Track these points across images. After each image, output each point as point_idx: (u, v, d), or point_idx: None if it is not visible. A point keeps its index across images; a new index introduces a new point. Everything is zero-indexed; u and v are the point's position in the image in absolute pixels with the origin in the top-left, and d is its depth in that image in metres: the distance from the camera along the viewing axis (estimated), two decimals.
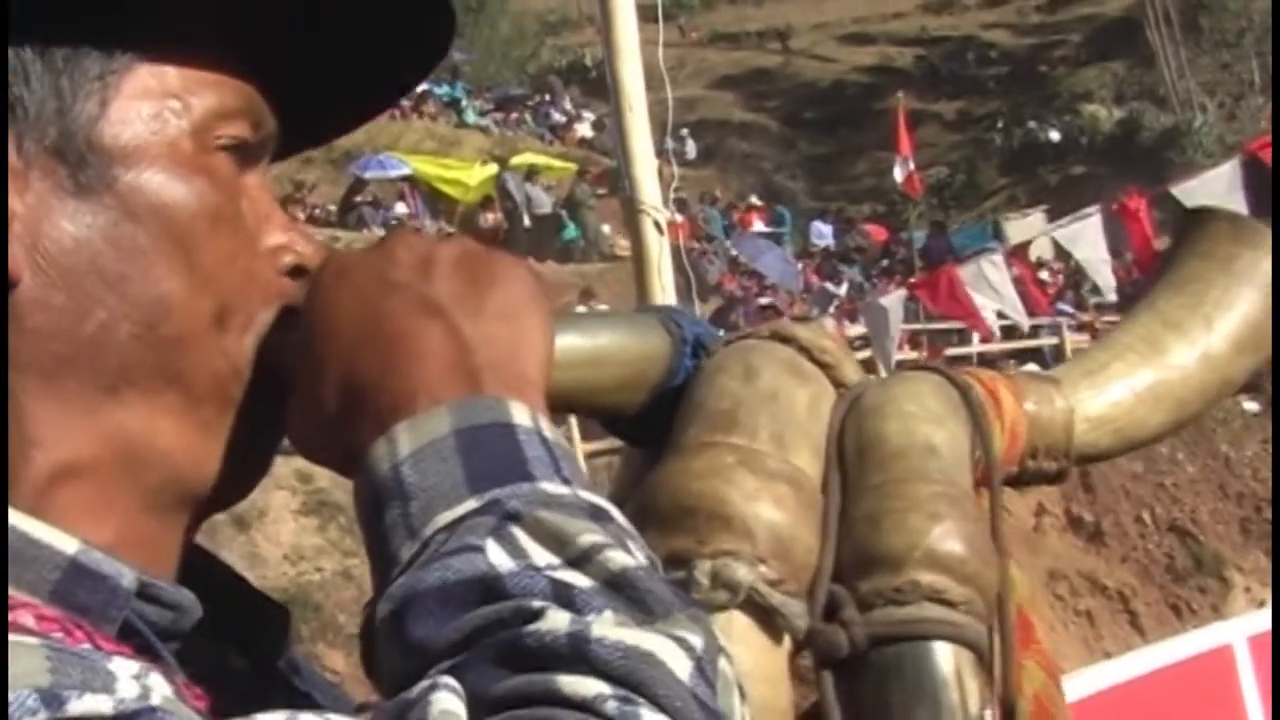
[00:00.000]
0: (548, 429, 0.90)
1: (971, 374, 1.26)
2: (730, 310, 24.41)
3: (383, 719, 0.76)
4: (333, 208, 28.69)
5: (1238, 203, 15.50)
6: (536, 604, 0.77)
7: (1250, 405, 20.46)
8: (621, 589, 0.80)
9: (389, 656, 0.81)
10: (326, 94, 1.10)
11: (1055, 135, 40.70)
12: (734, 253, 29.98)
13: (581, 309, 21.85)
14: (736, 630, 1.02)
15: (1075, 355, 1.43)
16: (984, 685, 1.11)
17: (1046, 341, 21.71)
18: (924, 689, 1.08)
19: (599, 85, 31.44)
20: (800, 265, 30.54)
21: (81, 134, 0.92)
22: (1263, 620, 8.36)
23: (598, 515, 0.86)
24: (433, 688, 0.74)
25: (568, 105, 41.90)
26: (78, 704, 0.71)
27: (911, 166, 29.49)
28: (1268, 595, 17.61)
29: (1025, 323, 16.68)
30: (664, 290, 5.52)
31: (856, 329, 16.50)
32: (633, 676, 0.74)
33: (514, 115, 40.12)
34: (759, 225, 32.39)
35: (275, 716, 0.73)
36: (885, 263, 31.19)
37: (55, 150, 0.91)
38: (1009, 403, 1.26)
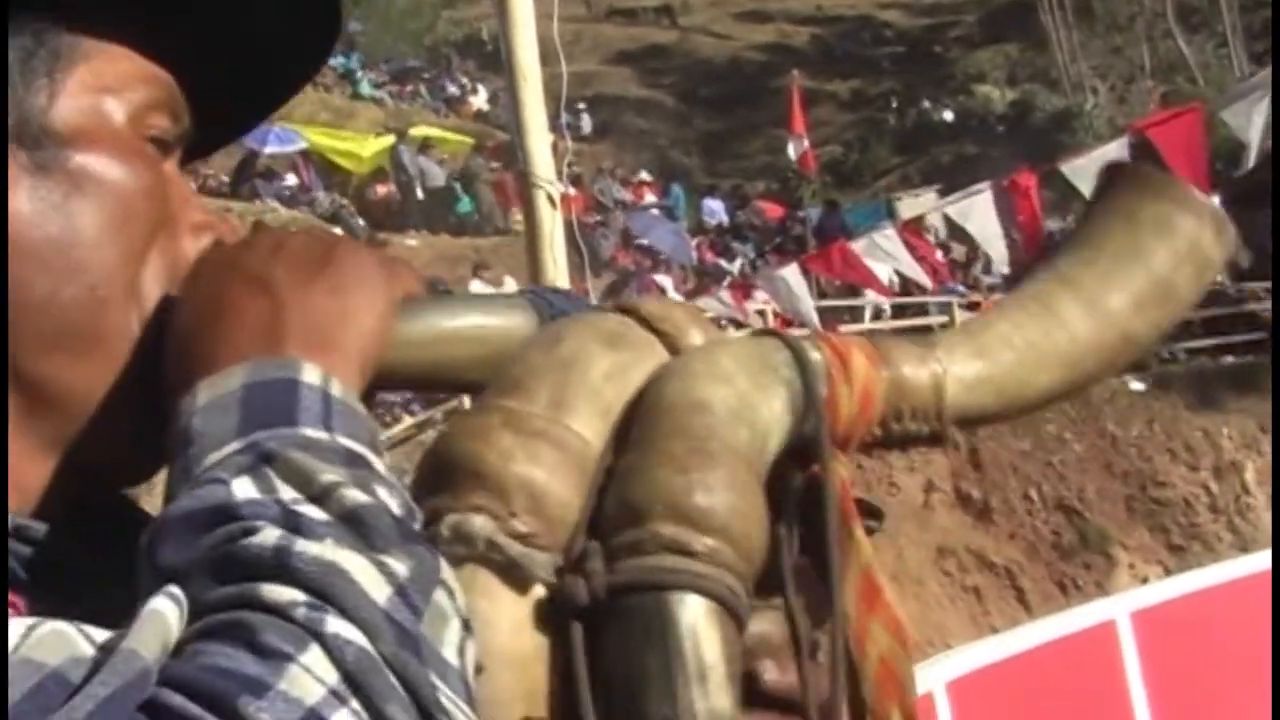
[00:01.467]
0: (335, 387, 0.96)
1: (821, 337, 1.25)
2: (623, 285, 24.41)
3: (127, 630, 0.79)
4: (225, 178, 28.41)
5: None
6: (258, 524, 0.83)
7: (1137, 385, 20.75)
8: (350, 523, 0.85)
9: (145, 581, 0.85)
10: (226, 98, 1.19)
11: (949, 115, 41.07)
12: (627, 227, 29.99)
13: (477, 283, 21.81)
14: (480, 582, 1.04)
15: (963, 320, 1.41)
16: (732, 637, 1.10)
17: (937, 319, 21.86)
18: (656, 636, 1.08)
19: (494, 59, 31.35)
20: (694, 241, 30.58)
21: (35, 121, 1.03)
22: (1146, 596, 8.49)
23: (352, 460, 0.92)
24: (156, 594, 0.80)
25: (463, 79, 41.76)
26: None
27: (806, 144, 29.59)
28: (1150, 572, 17.92)
29: (927, 281, 16.80)
30: (556, 264, 5.51)
31: (754, 304, 16.54)
32: (325, 588, 0.80)
33: (409, 88, 40.00)
34: (650, 198, 32.41)
35: (28, 620, 0.78)
36: (779, 240, 31.28)
37: (16, 134, 1.02)
38: (861, 365, 1.23)
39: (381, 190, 29.24)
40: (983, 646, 7.99)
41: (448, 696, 0.82)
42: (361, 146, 30.35)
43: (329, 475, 0.88)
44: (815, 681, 1.18)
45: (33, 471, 1.03)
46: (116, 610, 1.00)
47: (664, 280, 25.46)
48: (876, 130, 42.66)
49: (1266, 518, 18.12)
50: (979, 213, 14.22)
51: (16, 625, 0.77)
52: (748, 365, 1.19)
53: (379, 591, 0.82)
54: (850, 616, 1.20)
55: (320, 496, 0.87)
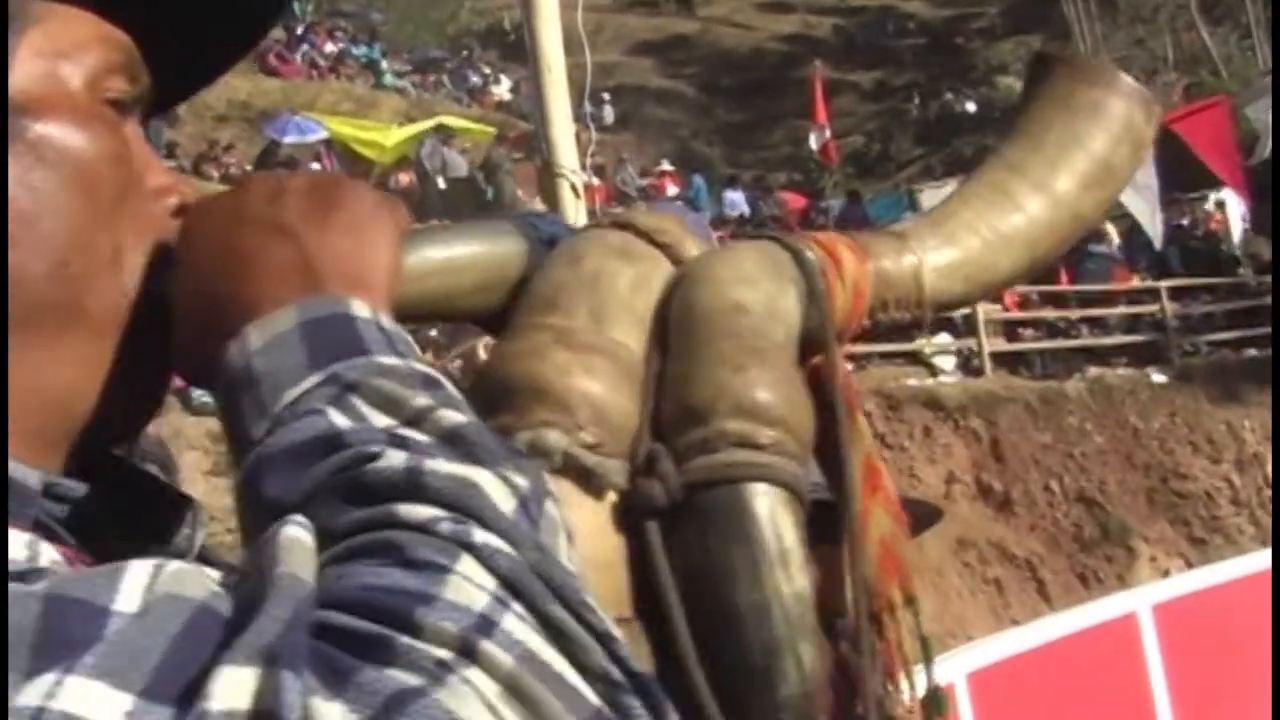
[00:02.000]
0: (386, 320, 0.98)
1: (809, 236, 1.31)
2: None
3: (245, 560, 0.80)
4: (249, 168, 28.41)
5: (1144, 179, 15.72)
6: (375, 448, 0.83)
7: (1159, 377, 20.69)
8: (453, 443, 0.86)
9: (251, 519, 0.86)
10: (187, 49, 1.16)
11: (971, 107, 40.93)
12: None
13: None
14: (560, 492, 1.04)
15: (926, 210, 1.46)
16: (801, 520, 1.15)
17: (959, 311, 21.88)
18: (738, 527, 1.12)
19: (517, 48, 31.34)
20: (716, 234, 30.51)
21: None
22: (1167, 589, 8.48)
23: (429, 383, 0.92)
24: (282, 524, 0.79)
25: (486, 68, 41.73)
26: None
27: (828, 135, 29.61)
28: (1172, 565, 17.86)
29: None
30: None
31: None
32: (461, 502, 0.81)
33: (432, 77, 39.92)
34: (672, 189, 32.36)
35: (151, 559, 0.77)
36: (799, 228, 31.20)
37: None
38: (849, 260, 1.30)
39: (404, 179, 29.21)
40: (1003, 639, 7.99)
41: (583, 598, 0.82)
42: (384, 136, 30.32)
43: (419, 399, 0.89)
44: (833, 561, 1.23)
45: (46, 452, 1.00)
46: None
47: None
48: (899, 121, 42.54)
49: None
50: None
51: (141, 566, 0.76)
52: (765, 268, 1.24)
53: (507, 504, 0.83)
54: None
55: (415, 420, 0.88)
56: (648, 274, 1.23)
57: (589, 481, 1.12)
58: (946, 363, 20.75)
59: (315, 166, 28.84)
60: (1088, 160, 1.39)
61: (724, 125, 44.31)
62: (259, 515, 0.84)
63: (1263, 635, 6.84)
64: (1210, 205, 25.31)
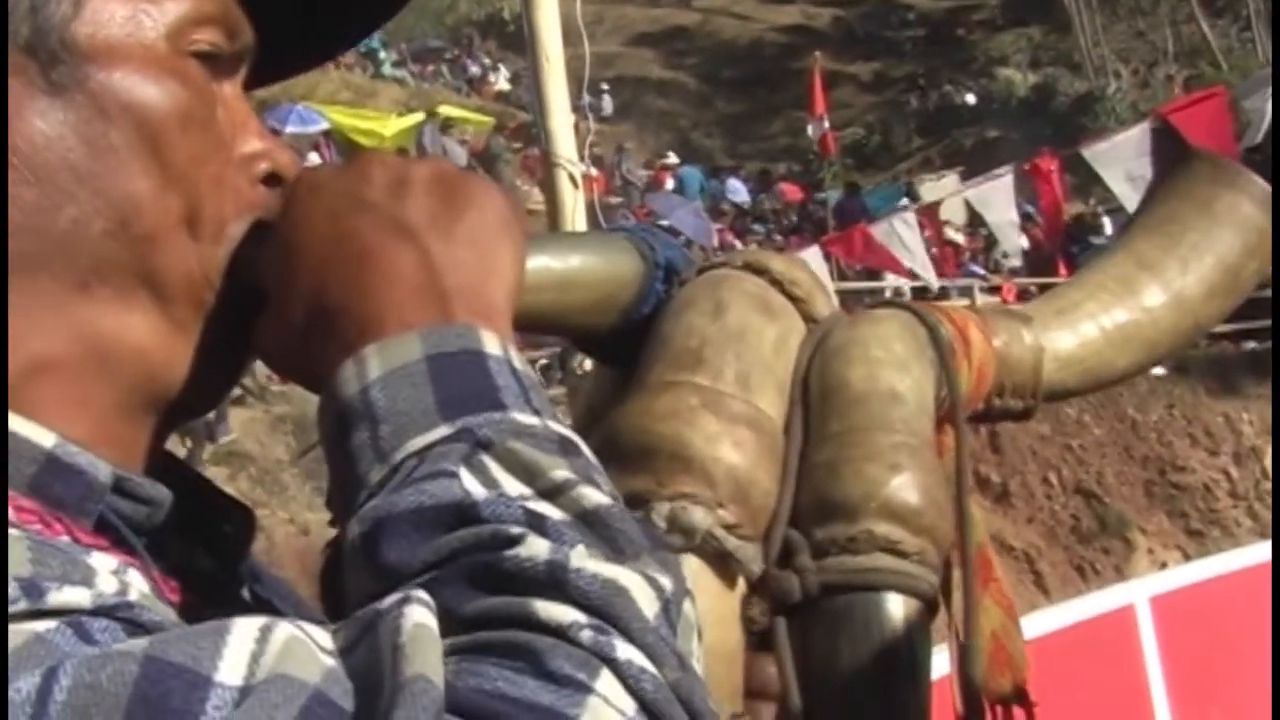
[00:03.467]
0: (517, 359, 0.90)
1: (942, 311, 1.26)
2: None
3: (352, 626, 0.75)
4: None
5: (1140, 171, 15.72)
6: (515, 530, 0.77)
7: (1157, 369, 20.67)
8: (593, 525, 0.80)
9: (358, 578, 0.81)
10: (302, 21, 1.10)
11: (971, 99, 40.84)
12: (648, 208, 29.93)
13: None
14: (690, 573, 0.99)
15: (1048, 292, 1.40)
16: (930, 634, 1.11)
17: (958, 303, 21.83)
18: (873, 638, 1.08)
19: (516, 39, 31.27)
20: (715, 224, 30.51)
21: (55, 33, 0.92)
22: (1164, 581, 8.47)
23: (567, 448, 0.86)
24: (405, 600, 0.74)
25: (485, 59, 41.69)
26: (57, 595, 0.71)
27: (826, 126, 29.53)
28: (1170, 557, 17.86)
29: (935, 282, 16.81)
30: None
31: None
32: (607, 608, 0.75)
33: (431, 67, 39.91)
34: (671, 182, 32.35)
35: (254, 620, 0.72)
36: (799, 222, 31.19)
37: (28, 48, 0.91)
38: (978, 340, 1.25)
39: None
40: None
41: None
42: (383, 126, 30.31)
43: (557, 470, 0.82)
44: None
45: (120, 424, 0.95)
46: (204, 577, 0.99)
47: None
48: (898, 113, 42.46)
49: None
50: (998, 199, 14.19)
51: (246, 629, 0.71)
52: (913, 349, 1.19)
53: (650, 609, 0.77)
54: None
55: (552, 493, 0.81)
56: (787, 334, 1.17)
57: (724, 566, 1.07)
58: None
59: (314, 157, 28.86)
60: (1219, 268, 1.35)
61: (723, 116, 44.24)
62: (372, 578, 0.79)
63: (1260, 628, 6.84)
64: None
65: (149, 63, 0.95)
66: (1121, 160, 14.44)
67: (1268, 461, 19.21)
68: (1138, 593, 7.94)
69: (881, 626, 1.09)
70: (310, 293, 0.92)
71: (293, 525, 13.85)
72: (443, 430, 0.84)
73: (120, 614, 0.72)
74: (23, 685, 0.65)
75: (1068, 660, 7.22)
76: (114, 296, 0.93)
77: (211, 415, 14.75)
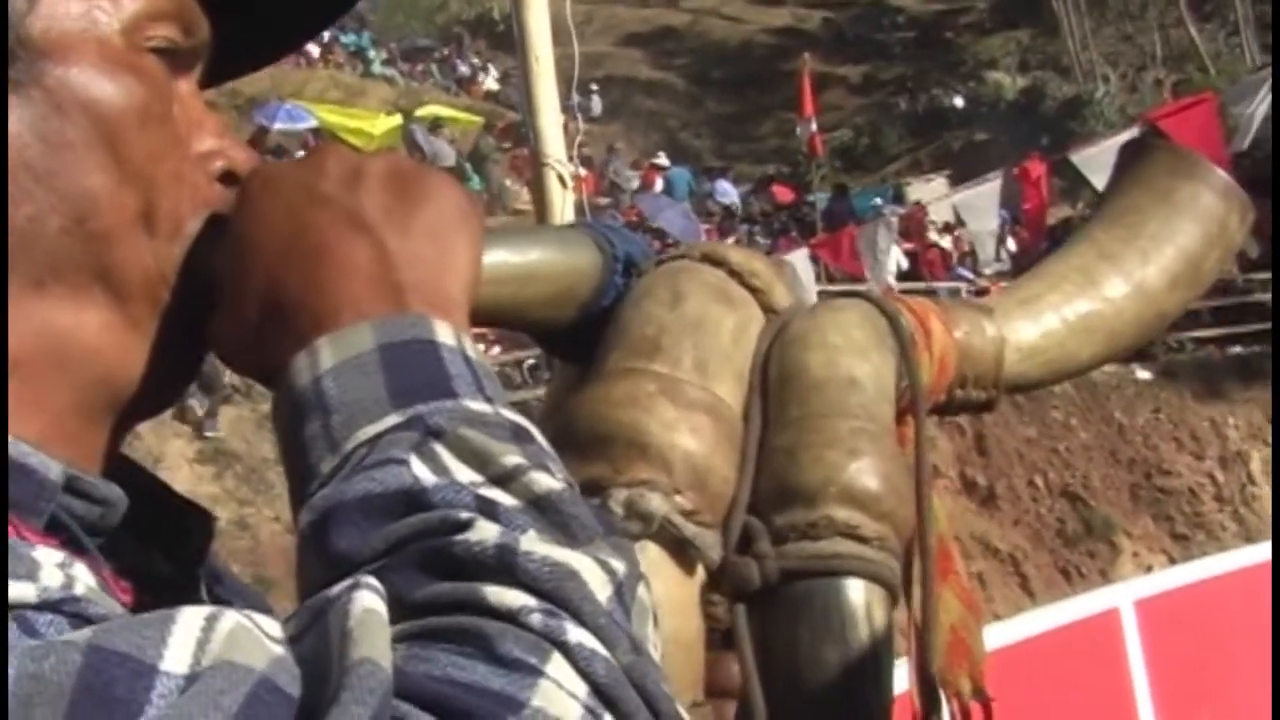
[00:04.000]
0: (470, 348, 0.89)
1: (902, 301, 1.25)
2: None
3: (303, 614, 0.74)
4: None
5: None
6: (464, 515, 0.77)
7: (1143, 373, 20.71)
8: (545, 511, 0.79)
9: (310, 567, 0.80)
10: (256, 17, 1.08)
11: (959, 102, 40.91)
12: (637, 208, 29.94)
13: None
14: (649, 561, 1.00)
15: (1011, 284, 1.40)
16: (892, 621, 1.11)
17: None
18: (833, 624, 1.08)
19: (505, 39, 31.30)
20: (704, 225, 30.52)
21: (11, 29, 0.90)
22: (1149, 585, 8.49)
23: (519, 435, 0.85)
24: (354, 586, 0.73)
25: (474, 58, 41.71)
26: None
27: (814, 128, 29.55)
28: (1155, 561, 17.89)
29: (895, 286, 16.89)
30: None
31: None
32: (558, 592, 0.74)
33: (420, 66, 39.92)
34: (660, 182, 32.37)
35: (200, 610, 0.71)
36: (787, 224, 31.22)
37: None
38: (939, 331, 1.25)
39: None
40: (986, 633, 7.99)
41: (677, 712, 0.76)
42: (372, 125, 30.29)
43: (509, 456, 0.82)
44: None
45: (76, 424, 0.93)
46: (161, 580, 0.97)
47: None
48: (887, 115, 42.52)
49: (1270, 507, 18.09)
50: (983, 204, 14.23)
51: (191, 618, 0.70)
52: (872, 337, 1.19)
53: (603, 593, 0.76)
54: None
55: (504, 479, 0.81)
56: (745, 323, 1.17)
57: (682, 553, 1.06)
58: None
59: (302, 155, 28.82)
60: (1181, 259, 1.34)
61: (713, 117, 44.29)
62: (323, 567, 0.78)
63: (1245, 632, 6.86)
64: None
65: (105, 58, 0.94)
66: (1110, 165, 14.45)
67: (1254, 466, 19.27)
68: (1123, 596, 7.95)
69: (842, 612, 1.08)
70: (265, 288, 0.91)
71: (278, 523, 13.84)
72: (393, 419, 0.83)
73: (66, 608, 0.72)
74: None
75: (1052, 663, 7.23)
76: (70, 295, 0.92)
77: (201, 411, 14.73)
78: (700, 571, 1.08)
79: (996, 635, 7.55)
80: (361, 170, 0.95)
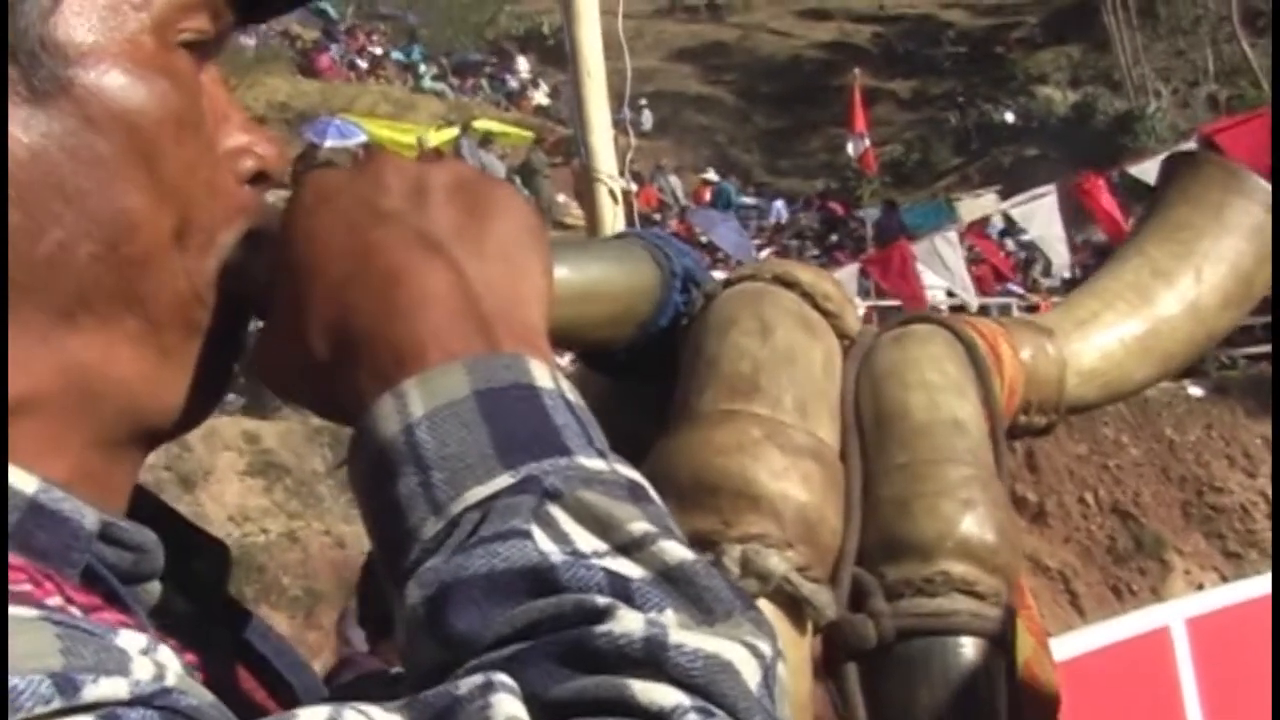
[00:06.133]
0: (569, 390, 0.82)
1: (973, 325, 1.22)
2: None
3: (421, 710, 0.69)
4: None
5: None
6: (601, 600, 0.71)
7: (1194, 390, 20.58)
8: (678, 584, 0.73)
9: (421, 646, 0.74)
10: None
11: (1010, 117, 40.75)
12: (689, 223, 29.93)
13: None
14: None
15: (1065, 302, 1.36)
16: (1005, 681, 1.08)
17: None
18: (952, 685, 1.04)
19: (556, 53, 31.33)
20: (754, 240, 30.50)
21: (33, 31, 0.81)
22: (1201, 603, 8.43)
23: (636, 494, 0.79)
24: (488, 686, 0.67)
25: (524, 72, 41.79)
26: (93, 689, 0.64)
27: (866, 143, 29.50)
28: (1206, 578, 17.77)
29: (974, 302, 16.79)
30: None
31: None
32: (712, 687, 0.69)
33: (470, 81, 40.01)
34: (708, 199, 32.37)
35: (318, 711, 0.67)
36: (838, 239, 31.17)
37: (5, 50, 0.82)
38: (1008, 356, 1.22)
39: None
40: None
41: None
42: (424, 139, 30.37)
43: (634, 522, 0.75)
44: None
45: (99, 462, 0.86)
46: (184, 620, 0.89)
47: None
48: (937, 130, 42.39)
49: None
50: (1042, 215, 14.18)
51: (312, 716, 0.67)
52: (962, 371, 1.15)
53: (753, 681, 0.71)
54: None
55: (630, 548, 0.74)
56: (830, 353, 1.13)
57: (797, 612, 1.02)
58: None
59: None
60: (1234, 277, 1.32)
61: (762, 132, 44.23)
62: (438, 647, 0.72)
63: None
64: None
65: (137, 61, 0.85)
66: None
67: (1271, 491, 19.12)
68: (1173, 614, 7.90)
69: (961, 673, 1.05)
70: (330, 315, 0.84)
71: (328, 537, 13.89)
72: (505, 479, 0.76)
73: (158, 702, 0.66)
74: None
75: (1102, 682, 7.19)
76: (100, 326, 0.85)
77: None
78: (810, 630, 1.04)
79: None
80: (426, 183, 0.88)
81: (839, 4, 51.47)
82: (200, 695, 0.69)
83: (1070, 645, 7.65)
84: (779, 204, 33.81)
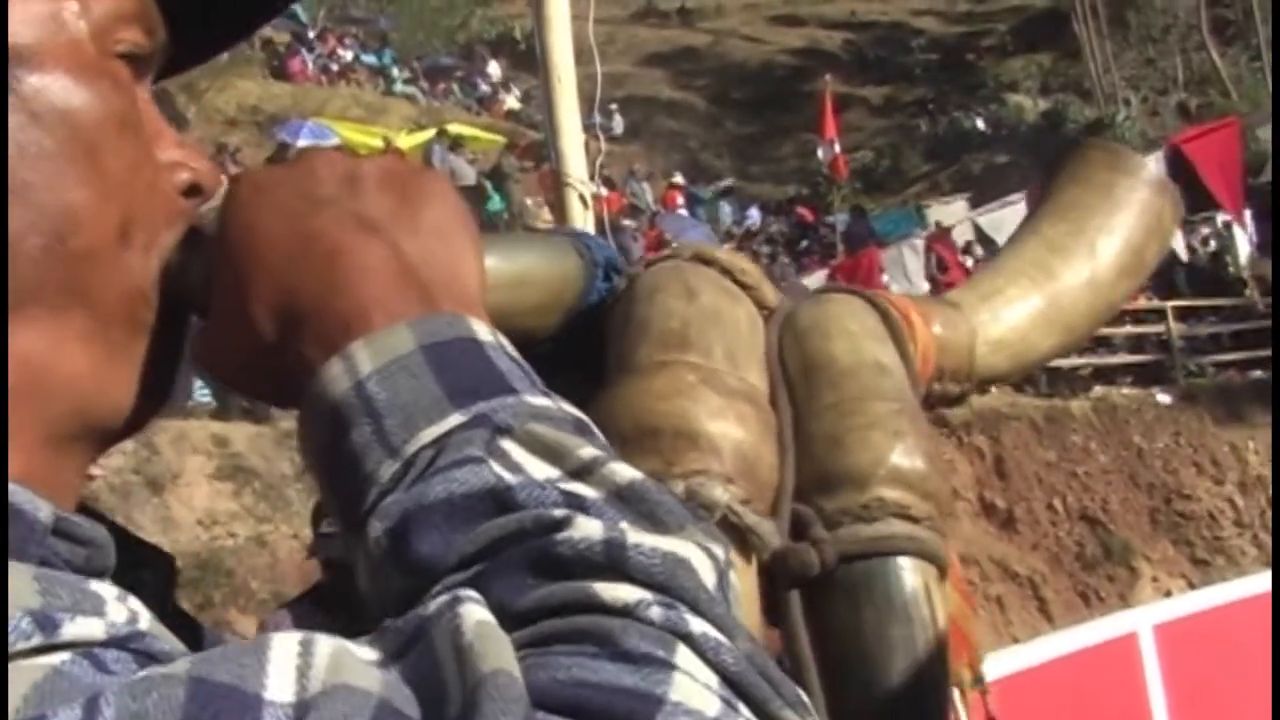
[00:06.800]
0: (509, 345, 0.86)
1: (885, 298, 1.28)
2: None
3: (392, 636, 0.70)
4: None
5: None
6: (558, 513, 0.73)
7: (1163, 397, 20.67)
8: (630, 501, 0.76)
9: (386, 576, 0.76)
10: (206, 8, 1.02)
11: (980, 124, 40.88)
12: (659, 229, 29.96)
13: None
14: None
15: (970, 279, 1.47)
16: (946, 599, 1.12)
17: None
18: (895, 605, 1.09)
19: (527, 57, 31.33)
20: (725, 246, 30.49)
21: None
22: (1168, 609, 8.47)
23: (583, 429, 0.82)
24: (455, 601, 0.69)
25: (496, 77, 41.81)
26: (71, 627, 0.66)
27: (837, 149, 29.57)
28: (1174, 585, 17.85)
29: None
30: None
31: None
32: (672, 582, 0.71)
33: (442, 85, 40.00)
34: (680, 201, 32.38)
35: (291, 635, 0.67)
36: (807, 244, 31.21)
37: None
38: (920, 325, 1.27)
39: None
40: (1004, 656, 7.97)
41: (801, 697, 0.72)
42: (395, 142, 30.34)
43: (582, 449, 0.78)
44: None
45: (48, 458, 0.87)
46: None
47: None
48: (908, 137, 42.51)
49: None
50: (1011, 223, 14.29)
51: (284, 644, 0.66)
52: (880, 327, 1.21)
53: (710, 580, 0.73)
54: None
55: (581, 472, 0.77)
56: (752, 316, 1.18)
57: (743, 542, 1.06)
58: None
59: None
60: (1126, 251, 1.40)
61: (733, 138, 44.30)
62: (403, 575, 0.75)
63: (1264, 657, 6.83)
64: (1218, 225, 25.33)
65: (80, 64, 0.88)
66: None
67: (1272, 491, 19.21)
68: (1141, 620, 7.94)
69: (902, 592, 1.09)
70: (275, 296, 0.86)
71: (297, 541, 13.84)
72: (456, 418, 0.79)
73: (132, 644, 0.67)
74: (62, 718, 0.61)
75: (1071, 687, 7.22)
76: (48, 319, 0.85)
77: None
78: (755, 561, 1.08)
79: (1015, 659, 7.53)
80: (357, 173, 0.92)
81: (810, 10, 51.63)
82: (172, 642, 0.71)
83: (1039, 651, 7.68)
84: (753, 212, 33.83)
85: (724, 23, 50.88)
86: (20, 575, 0.69)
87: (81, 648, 0.65)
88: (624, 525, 0.73)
